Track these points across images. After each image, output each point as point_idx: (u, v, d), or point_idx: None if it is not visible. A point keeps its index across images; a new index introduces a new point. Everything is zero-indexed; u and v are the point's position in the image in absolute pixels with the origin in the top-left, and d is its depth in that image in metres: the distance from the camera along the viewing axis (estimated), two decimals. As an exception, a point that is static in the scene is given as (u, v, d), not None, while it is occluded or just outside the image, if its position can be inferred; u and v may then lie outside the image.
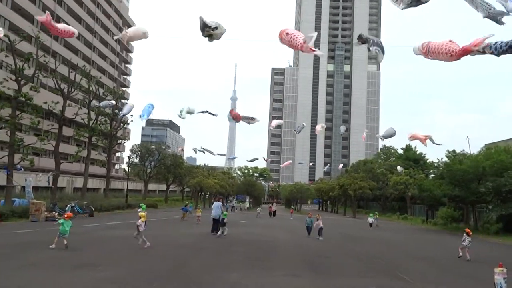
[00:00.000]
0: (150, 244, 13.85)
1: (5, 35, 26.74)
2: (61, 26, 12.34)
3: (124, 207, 41.34)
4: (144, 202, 48.91)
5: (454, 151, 37.13)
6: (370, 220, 32.25)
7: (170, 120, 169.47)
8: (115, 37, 14.03)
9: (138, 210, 23.14)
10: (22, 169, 30.61)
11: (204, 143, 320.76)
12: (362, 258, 14.62)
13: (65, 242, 13.31)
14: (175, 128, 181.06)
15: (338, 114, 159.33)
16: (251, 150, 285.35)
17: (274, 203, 43.83)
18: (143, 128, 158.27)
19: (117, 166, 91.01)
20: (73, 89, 34.62)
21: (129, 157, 47.74)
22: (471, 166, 33.13)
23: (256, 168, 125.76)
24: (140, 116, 22.45)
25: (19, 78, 28.14)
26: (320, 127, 37.04)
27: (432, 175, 46.65)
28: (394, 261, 14.45)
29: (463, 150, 39.12)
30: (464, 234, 15.54)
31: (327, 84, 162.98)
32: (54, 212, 26.16)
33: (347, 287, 9.52)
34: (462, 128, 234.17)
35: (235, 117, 26.03)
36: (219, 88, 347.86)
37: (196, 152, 24.26)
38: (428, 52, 10.71)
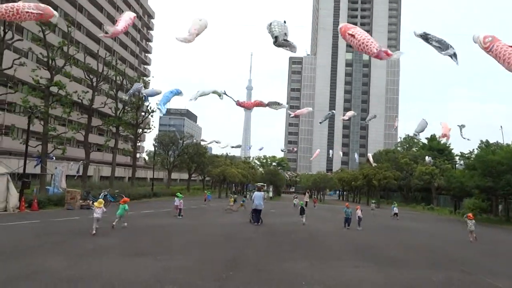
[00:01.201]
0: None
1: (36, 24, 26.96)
2: (121, 26, 12.23)
3: (150, 196, 41.71)
4: (167, 191, 49.51)
5: (487, 141, 36.31)
6: (395, 210, 31.91)
7: (187, 110, 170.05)
8: (179, 38, 12.94)
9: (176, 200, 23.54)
10: (54, 157, 30.97)
11: (220, 132, 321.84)
12: (411, 249, 14.39)
13: (125, 224, 15.68)
14: (192, 117, 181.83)
15: (356, 104, 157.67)
16: (266, 139, 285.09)
17: (307, 194, 43.63)
18: (160, 117, 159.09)
19: (138, 155, 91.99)
20: (101, 79, 34.78)
21: (154, 146, 47.97)
22: (505, 157, 32.45)
23: (274, 157, 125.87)
24: (157, 106, 21.95)
25: (52, 66, 28.32)
26: (351, 113, 37.18)
27: (459, 165, 45.88)
28: (445, 252, 14.18)
29: (497, 141, 38.25)
30: (467, 220, 17.53)
31: (346, 73, 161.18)
32: (88, 201, 26.46)
33: (418, 280, 9.30)
34: (483, 118, 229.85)
35: (254, 105, 25.53)
36: (236, 77, 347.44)
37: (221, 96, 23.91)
38: (490, 51, 10.50)
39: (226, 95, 23.80)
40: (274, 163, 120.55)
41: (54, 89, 28.54)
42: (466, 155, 37.86)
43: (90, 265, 8.94)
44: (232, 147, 60.99)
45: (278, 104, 28.58)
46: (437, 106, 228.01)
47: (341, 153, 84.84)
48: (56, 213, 22.45)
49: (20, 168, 26.76)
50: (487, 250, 15.96)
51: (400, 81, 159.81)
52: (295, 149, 69.74)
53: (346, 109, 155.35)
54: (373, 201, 36.16)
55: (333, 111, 36.96)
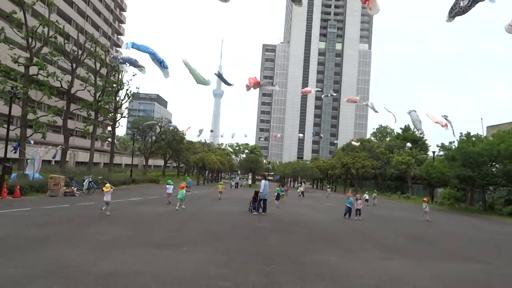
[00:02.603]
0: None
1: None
2: None
3: (129, 182, 40.60)
4: (145, 178, 48.39)
5: (469, 133, 37.10)
6: (366, 196, 33.58)
7: (157, 95, 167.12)
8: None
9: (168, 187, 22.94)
10: (32, 141, 29.34)
11: (190, 118, 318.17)
12: (422, 240, 14.35)
13: (183, 207, 19.17)
14: (163, 102, 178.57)
15: (328, 92, 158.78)
16: (236, 126, 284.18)
17: (302, 183, 43.48)
18: (130, 102, 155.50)
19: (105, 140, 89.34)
20: (83, 56, 33.18)
21: (133, 132, 46.41)
22: (485, 148, 33.23)
23: (246, 144, 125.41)
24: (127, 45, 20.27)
25: (32, 46, 26.67)
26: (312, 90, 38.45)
27: (435, 155, 46.71)
28: (453, 244, 14.21)
29: (468, 132, 39.12)
30: (423, 203, 22.60)
31: (318, 62, 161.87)
32: (72, 187, 25.31)
33: (457, 273, 9.12)
34: (448, 110, 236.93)
35: (253, 83, 24.78)
36: (206, 63, 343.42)
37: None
38: None
39: (222, 79, 23.01)
40: (246, 151, 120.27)
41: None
42: (447, 146, 38.47)
43: (118, 259, 8.24)
44: (211, 131, 60.13)
45: (272, 84, 28.02)
46: (406, 97, 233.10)
47: (322, 135, 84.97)
48: (41, 200, 21.29)
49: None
50: (492, 241, 16.15)
51: (371, 71, 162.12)
52: (278, 135, 69.29)
53: (318, 98, 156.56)
54: (328, 187, 37.57)
55: (333, 93, 36.72)
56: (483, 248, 13.40)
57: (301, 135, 58.63)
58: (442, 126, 21.59)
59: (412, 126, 67.65)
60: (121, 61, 23.17)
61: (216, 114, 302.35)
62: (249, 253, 9.70)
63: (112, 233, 11.35)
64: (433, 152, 45.36)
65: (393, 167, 53.83)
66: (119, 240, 10.50)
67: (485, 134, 44.60)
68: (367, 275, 8.09)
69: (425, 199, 24.38)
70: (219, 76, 24.36)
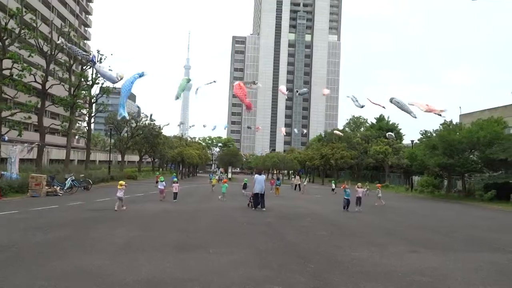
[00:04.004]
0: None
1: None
2: None
3: (108, 179, 39.35)
4: (122, 174, 47.06)
5: (451, 121, 37.91)
6: (333, 186, 38.79)
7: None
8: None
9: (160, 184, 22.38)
10: (6, 138, 27.75)
11: (158, 111, 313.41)
12: (432, 231, 14.35)
13: (225, 199, 22.27)
14: (131, 97, 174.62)
15: (299, 84, 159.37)
16: (206, 119, 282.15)
17: (297, 176, 43.31)
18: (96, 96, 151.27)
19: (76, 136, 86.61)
20: (56, 52, 31.65)
21: (110, 128, 44.87)
22: (465, 136, 33.97)
23: (219, 138, 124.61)
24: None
25: (4, 37, 25.14)
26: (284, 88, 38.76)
27: (414, 142, 47.54)
28: (463, 233, 14.27)
29: (450, 120, 40.02)
30: (377, 189, 24.80)
31: (289, 54, 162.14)
32: (55, 187, 24.15)
33: (489, 263, 9.02)
34: (414, 98, 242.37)
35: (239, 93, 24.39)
36: (174, 56, 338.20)
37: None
38: None
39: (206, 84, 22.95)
40: (220, 144, 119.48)
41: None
42: (428, 134, 39.14)
43: (148, 264, 7.65)
44: (180, 123, 59.10)
45: (254, 83, 27.73)
46: (374, 87, 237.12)
47: (304, 131, 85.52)
48: (25, 201, 20.17)
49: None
50: (493, 226, 16.36)
51: (341, 63, 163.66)
52: (259, 127, 68.70)
53: (289, 90, 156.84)
54: (333, 181, 39.36)
55: (306, 89, 36.54)
56: (498, 236, 13.46)
57: (283, 129, 58.43)
58: (436, 113, 21.47)
59: (387, 116, 68.90)
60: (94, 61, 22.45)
61: (185, 107, 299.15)
62: (279, 251, 9.30)
63: (122, 235, 10.70)
64: (412, 141, 46.09)
65: (371, 156, 54.49)
66: (134, 242, 9.87)
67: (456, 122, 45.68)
68: (409, 271, 7.83)
69: (378, 185, 27.17)
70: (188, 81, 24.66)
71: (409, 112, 21.57)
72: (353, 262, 8.37)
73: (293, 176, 43.77)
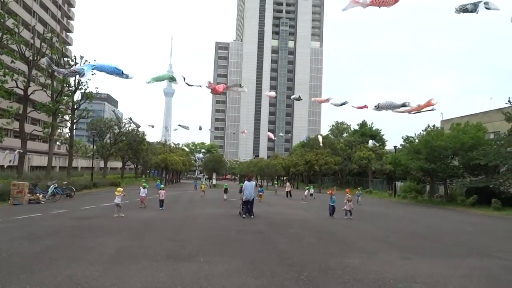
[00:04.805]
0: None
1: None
2: None
3: (91, 187, 38.77)
4: (105, 181, 46.42)
5: (434, 126, 38.50)
6: (306, 192, 37.28)
7: (107, 94, 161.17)
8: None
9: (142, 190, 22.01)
10: (-12, 146, 27.16)
11: (141, 117, 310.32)
12: (421, 237, 14.51)
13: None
14: (113, 102, 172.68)
15: (282, 90, 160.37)
16: (189, 125, 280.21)
17: (288, 183, 43.54)
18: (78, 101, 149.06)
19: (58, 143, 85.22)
20: (38, 57, 31.14)
21: (93, 134, 44.19)
22: (448, 141, 34.52)
23: (203, 143, 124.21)
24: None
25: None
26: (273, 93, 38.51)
27: (397, 148, 48.11)
28: (452, 239, 14.47)
29: (434, 125, 40.69)
30: (347, 194, 19.76)
31: (272, 60, 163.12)
32: (37, 194, 23.65)
33: (482, 269, 9.15)
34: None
35: (215, 91, 24.46)
36: (157, 61, 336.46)
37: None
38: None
39: (188, 84, 22.31)
40: (203, 150, 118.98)
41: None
42: (411, 139, 39.68)
43: (141, 275, 7.51)
44: (183, 126, 58.39)
45: (240, 86, 27.62)
46: (355, 93, 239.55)
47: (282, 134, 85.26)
48: (7, 209, 19.72)
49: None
50: (477, 231, 16.62)
51: (323, 69, 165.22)
52: (246, 131, 68.54)
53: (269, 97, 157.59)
54: (307, 187, 39.31)
55: (300, 95, 36.49)
56: (484, 241, 13.68)
57: (270, 134, 58.46)
58: (428, 108, 21.50)
59: (370, 121, 69.62)
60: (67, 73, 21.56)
61: (168, 113, 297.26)
62: (271, 259, 9.25)
63: (112, 244, 10.50)
64: (395, 147, 46.64)
65: (354, 162, 54.94)
66: (125, 251, 9.71)
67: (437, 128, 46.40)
68: (402, 278, 7.89)
69: (347, 190, 25.13)
70: (185, 79, 23.98)
71: (400, 106, 21.49)
72: (346, 270, 8.38)
73: (287, 184, 43.70)
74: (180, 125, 25.53)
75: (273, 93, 31.18)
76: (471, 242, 13.45)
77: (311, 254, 10.10)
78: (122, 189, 17.13)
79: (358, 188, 37.46)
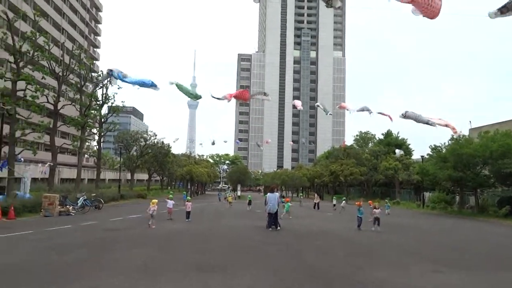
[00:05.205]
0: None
1: (3, 12, 24.20)
2: None
3: (118, 198, 39.34)
4: (132, 193, 47.05)
5: (461, 135, 37.50)
6: (342, 204, 35.61)
7: (133, 107, 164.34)
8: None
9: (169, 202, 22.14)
10: (22, 159, 28.02)
11: (165, 130, 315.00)
12: (452, 249, 14.14)
13: (290, 217, 23.70)
14: (139, 115, 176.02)
15: (305, 100, 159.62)
16: (212, 136, 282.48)
17: (316, 195, 43.34)
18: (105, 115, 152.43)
19: (86, 155, 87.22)
20: (67, 72, 32.08)
21: (120, 146, 45.08)
22: (477, 149, 33.61)
23: (227, 155, 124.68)
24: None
25: (18, 60, 25.53)
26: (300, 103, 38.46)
27: (423, 158, 47.19)
28: (486, 251, 14.04)
29: (464, 135, 39.67)
30: (374, 204, 20.19)
31: (294, 70, 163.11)
32: (67, 206, 24.16)
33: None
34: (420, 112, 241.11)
35: (241, 97, 24.64)
36: (181, 73, 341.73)
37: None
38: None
39: (213, 97, 22.82)
40: (227, 161, 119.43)
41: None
42: (438, 148, 38.86)
43: (170, 287, 7.57)
44: (190, 141, 59.20)
45: (265, 94, 27.57)
46: (379, 102, 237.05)
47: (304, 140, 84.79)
48: (38, 221, 20.18)
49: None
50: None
51: (346, 78, 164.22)
52: (269, 140, 68.64)
53: (295, 107, 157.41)
54: (334, 197, 38.55)
55: (325, 107, 36.39)
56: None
57: (291, 143, 57.93)
58: (452, 130, 21.25)
59: (395, 131, 68.63)
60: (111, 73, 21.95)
61: (192, 125, 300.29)
62: (298, 272, 9.14)
63: (140, 255, 10.60)
64: (422, 156, 45.75)
65: (380, 172, 54.13)
66: (153, 263, 9.77)
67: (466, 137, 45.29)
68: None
69: (370, 202, 26.37)
70: (212, 95, 24.47)
71: (426, 122, 21.28)
72: (375, 283, 8.22)
73: (316, 195, 43.11)
74: (212, 96, 25.15)
75: (299, 102, 31.17)
76: (504, 255, 13.01)
77: (339, 267, 9.96)
78: (156, 201, 17.84)
79: (386, 200, 36.68)
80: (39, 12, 28.52)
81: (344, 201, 35.32)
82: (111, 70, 19.83)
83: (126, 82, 19.22)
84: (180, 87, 23.95)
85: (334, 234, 17.16)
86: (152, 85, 19.96)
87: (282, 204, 30.44)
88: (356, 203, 20.74)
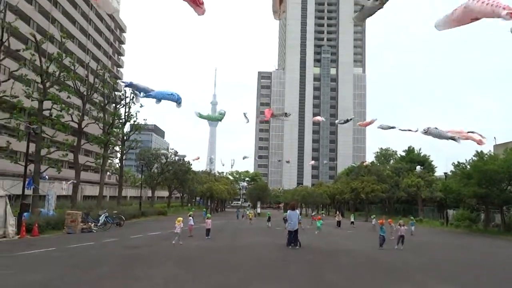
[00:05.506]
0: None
1: (31, 34, 25.04)
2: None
3: (139, 215, 39.66)
4: (152, 210, 47.35)
5: (481, 152, 36.77)
6: (352, 219, 38.95)
7: (155, 125, 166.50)
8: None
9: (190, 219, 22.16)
10: (47, 177, 28.67)
11: (186, 147, 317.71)
12: (478, 269, 13.75)
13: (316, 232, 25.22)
14: (160, 133, 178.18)
15: (325, 117, 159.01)
16: (233, 153, 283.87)
17: (338, 213, 43.12)
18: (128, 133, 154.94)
19: (108, 173, 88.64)
20: (91, 92, 32.88)
21: (141, 164, 45.75)
22: (502, 166, 32.84)
23: (247, 172, 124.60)
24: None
25: (45, 80, 26.32)
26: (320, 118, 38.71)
27: (447, 174, 46.26)
28: None
29: (490, 151, 38.98)
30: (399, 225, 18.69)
31: (314, 88, 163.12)
32: (89, 223, 24.48)
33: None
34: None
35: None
36: (201, 91, 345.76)
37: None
38: (459, 21, 9.48)
39: (245, 117, 23.65)
40: (247, 178, 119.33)
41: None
42: (462, 165, 38.10)
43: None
44: (211, 159, 59.53)
45: (286, 115, 27.90)
46: (402, 119, 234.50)
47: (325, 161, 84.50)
48: (61, 238, 20.49)
49: (12, 189, 24.52)
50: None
51: (366, 95, 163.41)
52: (290, 160, 68.74)
53: (315, 123, 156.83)
54: (322, 212, 39.25)
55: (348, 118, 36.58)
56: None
57: (312, 162, 57.96)
58: (477, 142, 20.76)
59: (417, 147, 67.65)
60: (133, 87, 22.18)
61: (212, 142, 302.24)
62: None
63: (162, 274, 10.62)
64: (445, 173, 44.86)
65: (402, 190, 53.26)
66: (175, 281, 9.80)
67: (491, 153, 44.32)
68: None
69: (390, 220, 25.43)
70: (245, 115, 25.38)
71: (449, 138, 20.90)
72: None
73: (337, 213, 42.62)
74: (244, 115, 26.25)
75: (320, 118, 31.24)
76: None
77: (361, 286, 9.77)
78: (181, 218, 18.12)
79: (411, 217, 35.88)
80: (65, 34, 29.41)
81: (374, 219, 34.32)
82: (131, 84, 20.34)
83: (151, 96, 19.54)
84: (202, 117, 24.61)
85: (356, 252, 16.88)
86: (178, 100, 20.25)
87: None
88: (379, 221, 20.17)
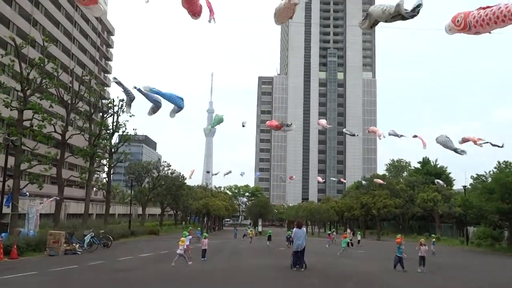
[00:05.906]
0: None
1: (11, 38, 25.24)
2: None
3: (128, 235, 39.51)
4: (143, 229, 47.23)
5: (505, 162, 36.85)
6: (359, 237, 40.08)
7: (146, 136, 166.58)
8: None
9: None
10: (27, 193, 28.64)
11: (180, 159, 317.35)
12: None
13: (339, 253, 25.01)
14: (151, 144, 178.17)
15: (332, 126, 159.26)
16: (231, 166, 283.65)
17: (349, 231, 42.37)
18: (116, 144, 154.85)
19: (95, 188, 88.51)
20: (76, 100, 33.00)
21: (130, 178, 45.65)
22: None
23: (247, 186, 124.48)
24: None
25: (25, 88, 26.44)
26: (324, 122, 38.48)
27: (466, 188, 46.24)
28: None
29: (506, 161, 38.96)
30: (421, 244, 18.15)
31: (320, 93, 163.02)
32: (73, 244, 24.38)
33: None
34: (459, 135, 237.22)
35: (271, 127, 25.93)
36: (196, 99, 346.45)
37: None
38: (468, 28, 9.57)
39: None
40: (247, 193, 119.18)
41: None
42: (482, 178, 38.10)
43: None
44: (207, 172, 59.57)
45: (288, 125, 28.13)
46: (416, 126, 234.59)
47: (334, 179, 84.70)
48: (43, 261, 20.39)
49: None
50: None
51: (377, 101, 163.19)
52: (293, 177, 68.70)
53: (321, 132, 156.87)
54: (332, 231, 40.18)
55: (357, 134, 36.74)
56: None
57: (319, 178, 57.86)
58: (475, 143, 21.03)
59: (432, 158, 67.62)
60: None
61: (208, 154, 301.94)
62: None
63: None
64: (464, 187, 44.80)
65: (417, 205, 53.12)
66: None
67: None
68: None
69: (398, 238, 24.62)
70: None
71: (454, 150, 21.05)
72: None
73: (348, 231, 42.28)
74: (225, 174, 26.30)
75: (324, 121, 31.28)
76: None
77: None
78: (184, 239, 18.67)
79: (432, 235, 35.75)
80: (48, 38, 29.61)
81: (359, 235, 36.71)
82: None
83: (159, 94, 19.28)
84: (212, 126, 25.17)
85: (368, 276, 16.73)
86: (180, 104, 20.04)
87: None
88: (397, 240, 19.47)
